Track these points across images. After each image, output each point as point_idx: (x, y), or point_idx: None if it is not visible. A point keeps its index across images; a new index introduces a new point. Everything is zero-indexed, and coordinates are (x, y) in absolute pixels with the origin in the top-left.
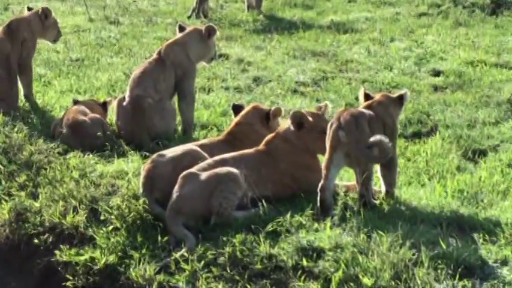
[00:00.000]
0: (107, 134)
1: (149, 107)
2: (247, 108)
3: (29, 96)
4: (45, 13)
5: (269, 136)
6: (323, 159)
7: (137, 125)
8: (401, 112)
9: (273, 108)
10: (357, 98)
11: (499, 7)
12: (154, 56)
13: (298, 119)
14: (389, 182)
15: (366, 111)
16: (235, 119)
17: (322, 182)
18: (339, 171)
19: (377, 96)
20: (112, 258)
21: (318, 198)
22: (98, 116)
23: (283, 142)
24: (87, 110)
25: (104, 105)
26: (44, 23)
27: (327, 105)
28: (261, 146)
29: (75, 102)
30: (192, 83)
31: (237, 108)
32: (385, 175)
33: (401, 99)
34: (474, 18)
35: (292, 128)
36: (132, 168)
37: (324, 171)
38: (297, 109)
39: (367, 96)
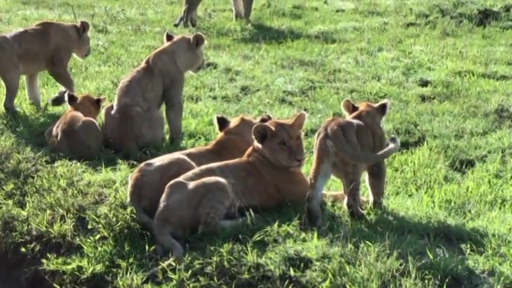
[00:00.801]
0: (99, 139)
1: (137, 115)
2: (235, 120)
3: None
4: (84, 27)
5: (249, 149)
6: (310, 169)
7: (125, 134)
8: (383, 121)
9: (263, 115)
10: None
11: (487, 17)
12: (143, 64)
13: (260, 132)
14: (377, 191)
15: (354, 121)
16: (224, 130)
17: (309, 191)
18: (326, 181)
19: (362, 106)
20: (99, 267)
21: (305, 207)
22: (91, 121)
23: (260, 155)
24: (81, 115)
25: (98, 103)
26: (80, 36)
27: (304, 115)
28: (245, 157)
29: (71, 97)
30: (180, 92)
31: (221, 121)
32: (373, 185)
33: (384, 108)
34: (462, 28)
35: (256, 142)
36: (120, 177)
37: (311, 181)
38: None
39: (353, 107)
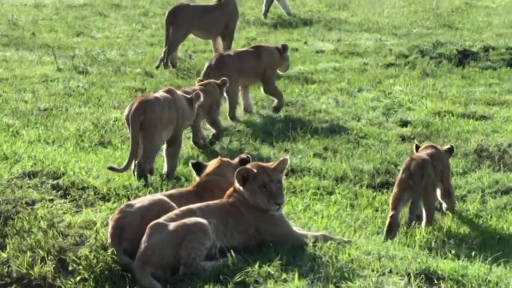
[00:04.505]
0: None
1: None
2: (213, 162)
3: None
4: (284, 48)
5: (229, 190)
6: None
7: None
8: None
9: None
10: (325, 148)
11: (466, 58)
12: None
13: (243, 175)
14: (448, 208)
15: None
16: (204, 174)
17: (392, 212)
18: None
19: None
20: None
21: (387, 223)
22: None
23: (240, 196)
24: None
25: (190, 102)
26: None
27: (286, 160)
28: (225, 198)
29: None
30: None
31: (197, 166)
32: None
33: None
34: (441, 68)
35: (238, 185)
36: (100, 218)
37: (392, 204)
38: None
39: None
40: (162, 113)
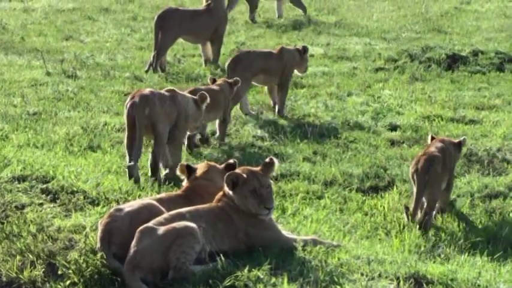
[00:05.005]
0: None
1: None
2: (202, 166)
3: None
4: (305, 49)
5: (218, 194)
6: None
7: None
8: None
9: (229, 161)
10: (315, 152)
11: (455, 62)
12: None
13: (233, 180)
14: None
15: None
16: (192, 177)
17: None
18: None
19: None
20: None
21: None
22: None
23: (230, 200)
24: None
25: (231, 86)
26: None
27: (274, 162)
28: (214, 203)
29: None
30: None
31: (188, 168)
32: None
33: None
34: (430, 73)
35: (227, 189)
36: (90, 222)
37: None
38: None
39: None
40: (162, 107)
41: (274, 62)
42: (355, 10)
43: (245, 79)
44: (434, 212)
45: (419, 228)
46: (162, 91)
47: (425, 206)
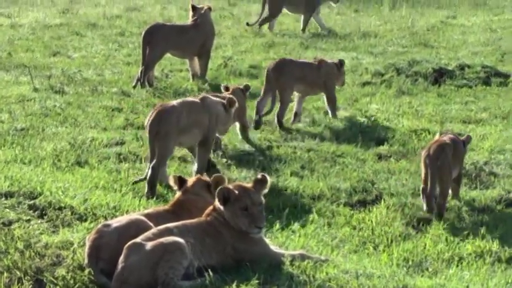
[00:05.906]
0: None
1: None
2: (191, 180)
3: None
4: (341, 63)
5: (208, 209)
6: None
7: None
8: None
9: (213, 176)
10: (302, 167)
11: (442, 76)
12: None
13: (224, 195)
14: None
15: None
16: (182, 189)
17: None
18: None
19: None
20: None
21: (425, 202)
22: None
23: (220, 215)
24: None
25: (243, 92)
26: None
27: (266, 179)
28: (203, 217)
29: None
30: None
31: (179, 180)
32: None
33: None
34: (417, 87)
35: (218, 204)
36: (77, 238)
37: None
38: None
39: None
40: (179, 120)
41: (314, 73)
42: (342, 24)
43: (288, 87)
44: (447, 198)
45: (437, 210)
46: (191, 99)
47: (438, 193)
